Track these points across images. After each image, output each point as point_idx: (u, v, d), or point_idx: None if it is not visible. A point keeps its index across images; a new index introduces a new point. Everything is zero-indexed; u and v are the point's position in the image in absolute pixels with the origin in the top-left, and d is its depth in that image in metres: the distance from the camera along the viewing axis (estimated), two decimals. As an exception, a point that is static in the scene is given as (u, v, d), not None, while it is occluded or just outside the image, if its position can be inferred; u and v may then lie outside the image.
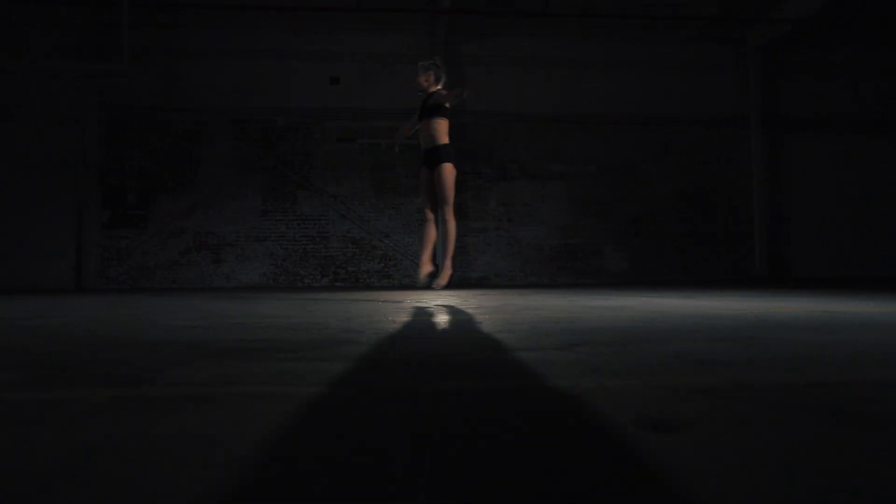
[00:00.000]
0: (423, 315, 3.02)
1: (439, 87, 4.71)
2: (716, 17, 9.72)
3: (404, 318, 2.85)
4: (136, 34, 9.65)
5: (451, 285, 9.45)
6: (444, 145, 4.57)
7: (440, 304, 4.21)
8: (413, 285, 9.63)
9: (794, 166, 10.33)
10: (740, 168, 10.22)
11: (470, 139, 9.86)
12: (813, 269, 10.20)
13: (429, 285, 4.69)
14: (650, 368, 1.43)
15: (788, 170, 10.33)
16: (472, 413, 1.02)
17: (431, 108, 4.53)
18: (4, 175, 9.35)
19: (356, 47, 9.89)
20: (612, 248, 10.03)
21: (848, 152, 10.42)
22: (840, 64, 10.48)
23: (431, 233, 4.68)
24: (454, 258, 4.34)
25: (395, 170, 9.85)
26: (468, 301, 4.34)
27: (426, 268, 4.58)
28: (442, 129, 4.56)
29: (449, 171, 4.52)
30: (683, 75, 10.28)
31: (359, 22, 9.72)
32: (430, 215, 4.72)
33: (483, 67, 10.05)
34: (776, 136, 10.29)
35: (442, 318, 2.83)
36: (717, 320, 2.62)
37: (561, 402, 1.10)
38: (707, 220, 10.20)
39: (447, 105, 4.51)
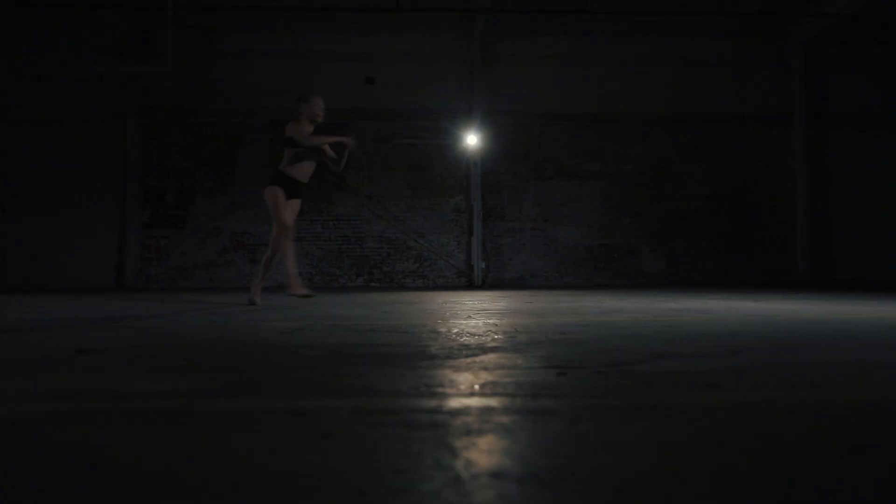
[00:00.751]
0: (516, 316, 2.93)
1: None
2: (759, 13, 9.50)
3: (500, 320, 2.79)
4: (174, 36, 9.74)
5: (488, 285, 9.42)
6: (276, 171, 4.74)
7: (504, 306, 4.12)
8: (445, 286, 9.60)
9: (839, 165, 10.07)
10: (782, 166, 9.99)
11: (505, 139, 9.79)
12: (857, 271, 9.94)
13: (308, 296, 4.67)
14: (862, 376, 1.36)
15: (832, 168, 10.07)
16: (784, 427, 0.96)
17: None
18: (48, 176, 9.53)
19: (391, 48, 9.86)
20: (650, 249, 9.89)
21: (894, 150, 10.12)
22: (886, 60, 10.18)
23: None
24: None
25: (430, 170, 9.82)
26: (532, 302, 4.24)
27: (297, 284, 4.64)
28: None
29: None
30: (722, 72, 10.07)
31: (394, 22, 9.69)
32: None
33: (519, 66, 9.96)
34: (820, 134, 10.03)
35: (550, 321, 2.76)
36: (836, 324, 2.55)
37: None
38: (746, 220, 9.99)
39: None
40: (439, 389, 1.28)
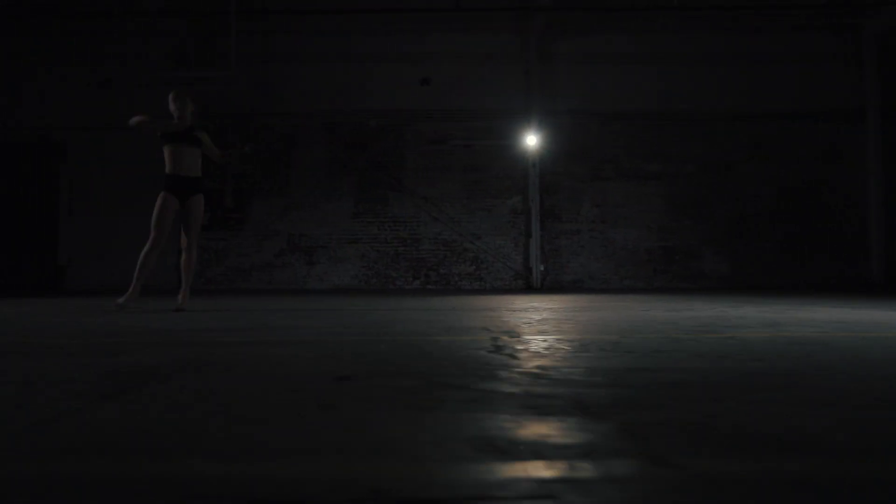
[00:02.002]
0: (602, 332, 2.68)
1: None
2: (830, 4, 9.10)
3: (653, 335, 2.59)
4: (229, 41, 9.81)
5: (546, 288, 9.26)
6: (202, 178, 4.67)
7: (577, 318, 3.93)
8: (502, 289, 9.48)
9: (915, 163, 9.60)
10: (854, 164, 9.58)
11: (562, 139, 9.60)
12: (934, 274, 9.47)
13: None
14: None
15: (908, 167, 9.60)
16: None
17: (197, 139, 4.52)
18: (111, 180, 9.70)
19: (446, 48, 9.75)
20: (712, 251, 9.60)
21: (975, 147, 9.60)
22: (967, 51, 9.65)
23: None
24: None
25: (488, 171, 9.69)
26: (604, 310, 4.00)
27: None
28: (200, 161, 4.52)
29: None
30: (789, 67, 9.69)
31: (449, 22, 9.58)
32: (185, 244, 4.73)
33: (576, 64, 9.75)
34: (895, 130, 9.58)
35: (662, 345, 2.53)
36: None
37: None
38: (814, 220, 9.62)
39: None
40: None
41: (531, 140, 9.33)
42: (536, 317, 3.66)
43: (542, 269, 9.41)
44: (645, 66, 9.68)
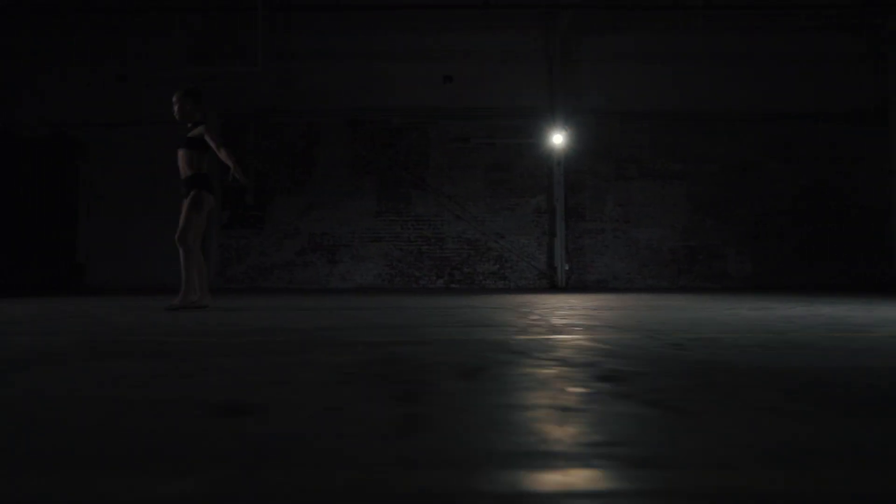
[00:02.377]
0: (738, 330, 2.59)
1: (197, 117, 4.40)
2: (851, 5, 9.12)
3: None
4: (249, 36, 9.69)
5: (570, 287, 9.22)
6: (194, 177, 4.39)
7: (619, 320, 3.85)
8: (526, 288, 9.44)
9: (936, 164, 9.64)
10: (875, 164, 9.60)
11: (586, 138, 9.56)
12: (955, 274, 9.53)
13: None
14: None
15: (930, 167, 9.65)
16: None
17: (187, 140, 4.36)
18: (129, 177, 9.55)
19: (469, 45, 9.69)
20: (735, 252, 9.60)
21: None
22: None
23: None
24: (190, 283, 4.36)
25: (512, 170, 9.64)
26: (638, 309, 3.91)
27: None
28: (195, 160, 4.34)
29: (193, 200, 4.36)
30: (810, 68, 9.70)
31: (473, 20, 9.52)
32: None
33: (600, 63, 9.71)
34: (917, 132, 9.61)
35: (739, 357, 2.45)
36: None
37: None
38: (838, 221, 9.64)
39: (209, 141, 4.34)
40: None
41: (557, 139, 9.28)
42: (614, 315, 3.59)
43: (566, 268, 9.37)
44: (666, 66, 9.66)
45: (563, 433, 0.96)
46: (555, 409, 1.14)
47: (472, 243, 9.60)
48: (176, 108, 4.43)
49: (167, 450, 0.85)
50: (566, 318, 3.50)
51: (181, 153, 4.44)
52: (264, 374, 1.56)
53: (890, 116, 9.48)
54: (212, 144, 4.33)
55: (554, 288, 9.28)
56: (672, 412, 1.11)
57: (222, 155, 4.38)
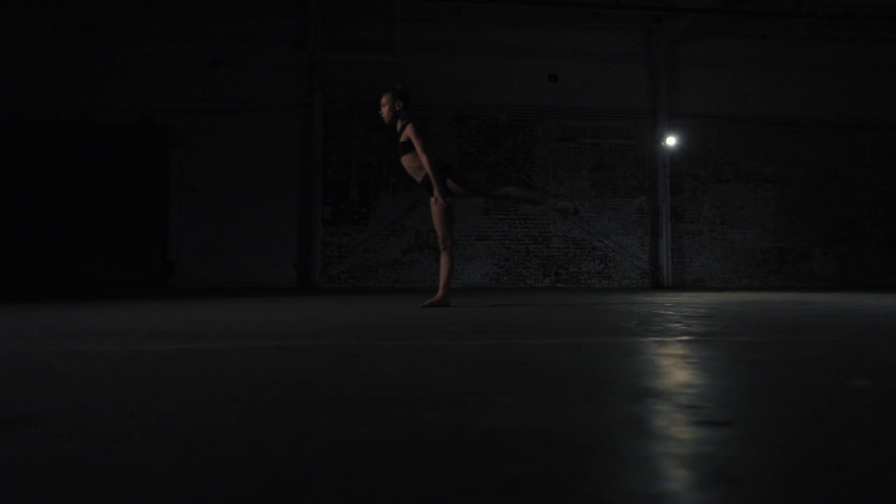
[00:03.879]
0: None
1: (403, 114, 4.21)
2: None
3: None
4: (358, 25, 9.38)
5: (674, 287, 9.39)
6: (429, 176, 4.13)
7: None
8: (630, 287, 9.55)
9: None
10: (943, 174, 10.31)
11: (684, 141, 9.77)
12: None
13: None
14: None
15: None
16: None
17: (402, 144, 4.20)
18: (224, 169, 9.00)
19: (574, 45, 9.72)
20: (821, 252, 10.06)
21: None
22: None
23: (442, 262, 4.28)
24: (446, 287, 4.18)
25: (614, 170, 9.73)
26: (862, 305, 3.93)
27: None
28: (421, 162, 4.08)
29: (435, 205, 4.17)
30: (893, 79, 10.27)
31: (577, 18, 9.56)
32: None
33: (698, 68, 9.96)
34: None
35: None
36: None
37: None
38: (906, 224, 10.28)
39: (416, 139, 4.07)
40: None
41: (670, 140, 9.46)
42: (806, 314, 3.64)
43: (671, 268, 9.55)
44: (761, 72, 10.02)
45: None
46: None
47: (577, 242, 9.61)
48: (384, 109, 4.25)
49: None
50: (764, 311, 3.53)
51: (405, 159, 4.24)
52: None
53: (957, 128, 10.20)
54: (416, 146, 4.09)
55: (657, 287, 9.44)
56: None
57: (423, 161, 4.10)
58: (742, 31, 9.92)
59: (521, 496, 0.61)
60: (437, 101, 9.38)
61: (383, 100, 4.26)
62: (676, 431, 0.87)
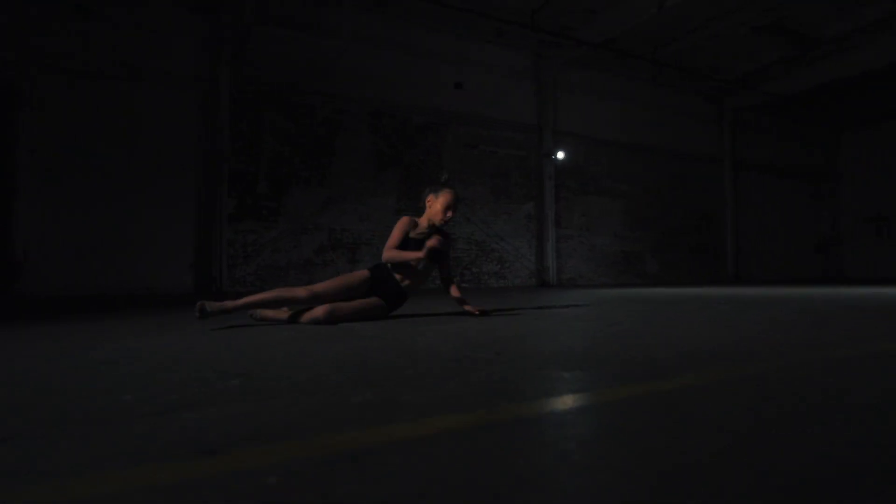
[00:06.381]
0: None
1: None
2: (707, 79, 12.73)
3: None
4: (276, 3, 8.47)
5: (557, 285, 10.57)
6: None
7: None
8: (521, 286, 10.45)
9: None
10: (720, 193, 13.51)
11: (563, 157, 11.03)
12: None
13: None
14: None
15: (747, 200, 14.05)
16: None
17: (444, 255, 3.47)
18: (104, 148, 7.24)
19: (479, 56, 10.20)
20: (650, 256, 12.35)
21: None
22: None
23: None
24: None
25: (510, 178, 10.49)
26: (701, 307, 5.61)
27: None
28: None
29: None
30: (663, 116, 13.08)
31: (484, 32, 10.06)
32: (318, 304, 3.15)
33: (576, 94, 11.31)
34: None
35: None
36: None
37: None
38: (713, 234, 13.25)
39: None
40: None
41: (560, 154, 10.58)
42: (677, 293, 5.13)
43: (555, 268, 10.71)
44: (619, 104, 11.86)
45: None
46: None
47: (479, 244, 10.12)
48: (452, 213, 3.59)
49: None
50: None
51: (424, 266, 3.38)
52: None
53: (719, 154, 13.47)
54: (448, 261, 3.61)
55: (544, 285, 10.51)
56: None
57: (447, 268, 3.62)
58: (609, 69, 11.58)
59: None
60: (353, 94, 8.93)
61: (454, 200, 3.53)
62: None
